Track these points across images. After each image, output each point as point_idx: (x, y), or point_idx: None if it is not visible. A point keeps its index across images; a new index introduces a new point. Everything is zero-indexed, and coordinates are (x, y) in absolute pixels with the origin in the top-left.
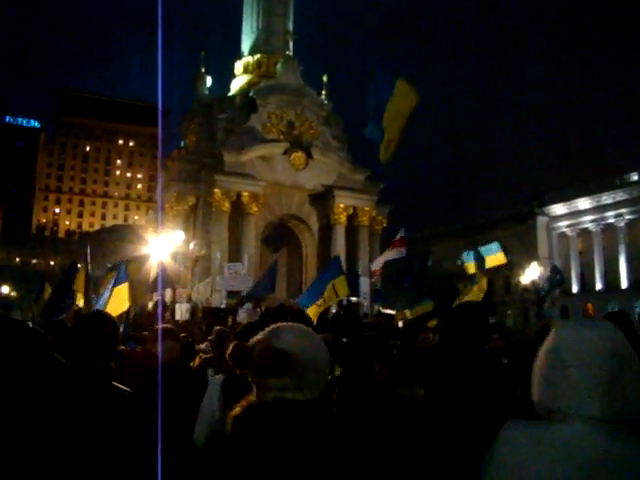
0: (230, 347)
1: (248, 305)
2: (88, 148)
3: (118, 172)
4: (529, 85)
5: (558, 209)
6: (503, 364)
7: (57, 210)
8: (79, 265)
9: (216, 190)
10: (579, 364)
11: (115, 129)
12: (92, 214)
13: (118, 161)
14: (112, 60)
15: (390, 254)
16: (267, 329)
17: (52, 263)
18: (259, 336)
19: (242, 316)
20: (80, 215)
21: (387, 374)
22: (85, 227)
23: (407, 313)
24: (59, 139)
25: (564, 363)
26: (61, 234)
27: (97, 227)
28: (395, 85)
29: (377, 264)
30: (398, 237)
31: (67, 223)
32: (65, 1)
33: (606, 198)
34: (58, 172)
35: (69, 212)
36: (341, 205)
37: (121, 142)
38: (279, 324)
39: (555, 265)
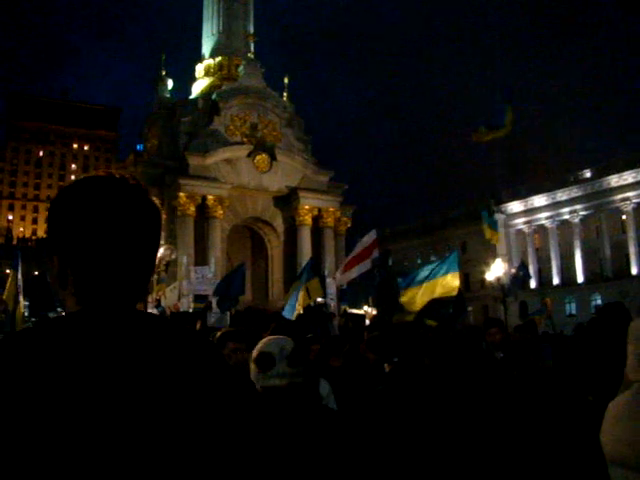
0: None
1: (217, 309)
2: (42, 153)
3: (73, 177)
4: (484, 84)
5: (515, 206)
6: (499, 358)
7: (10, 217)
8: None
9: (181, 194)
10: (632, 341)
11: (69, 133)
12: (47, 220)
13: (73, 166)
14: (66, 63)
15: (366, 262)
16: (268, 339)
17: (8, 271)
18: (267, 341)
19: (212, 320)
20: (35, 222)
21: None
22: (40, 233)
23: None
24: (11, 144)
25: (627, 341)
26: (15, 241)
27: None
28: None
29: (352, 274)
30: (371, 240)
31: (21, 230)
32: (16, 3)
33: (561, 195)
34: (11, 178)
35: (23, 218)
36: (306, 206)
37: (76, 146)
38: (275, 337)
39: (523, 263)
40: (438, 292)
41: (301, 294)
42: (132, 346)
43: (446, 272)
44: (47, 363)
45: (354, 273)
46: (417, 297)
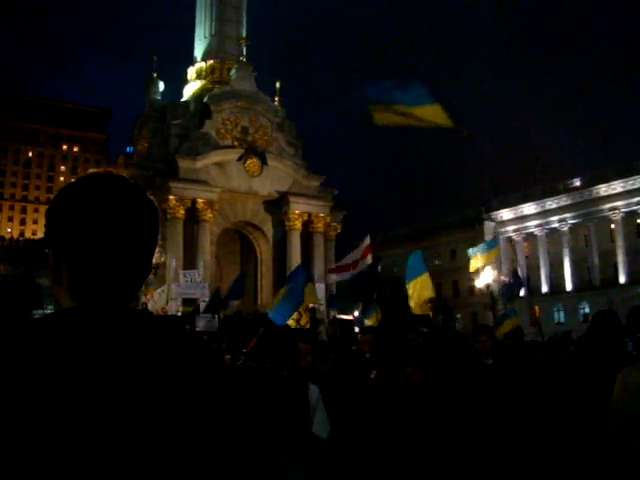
0: None
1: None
2: (30, 153)
3: (62, 178)
4: (473, 92)
5: (505, 214)
6: (488, 365)
7: None
8: None
9: (171, 197)
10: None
11: (59, 134)
12: (35, 221)
13: (62, 167)
14: (57, 64)
15: (363, 263)
16: None
17: None
18: None
19: (201, 324)
20: (22, 222)
21: (421, 377)
22: (28, 235)
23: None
24: (0, 144)
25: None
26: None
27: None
28: (427, 103)
29: (344, 276)
30: (365, 245)
31: (9, 231)
32: (6, 4)
33: (550, 203)
34: None
35: (10, 219)
36: (296, 211)
37: (65, 148)
38: None
39: (516, 271)
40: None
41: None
42: (124, 342)
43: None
44: (37, 359)
45: (347, 276)
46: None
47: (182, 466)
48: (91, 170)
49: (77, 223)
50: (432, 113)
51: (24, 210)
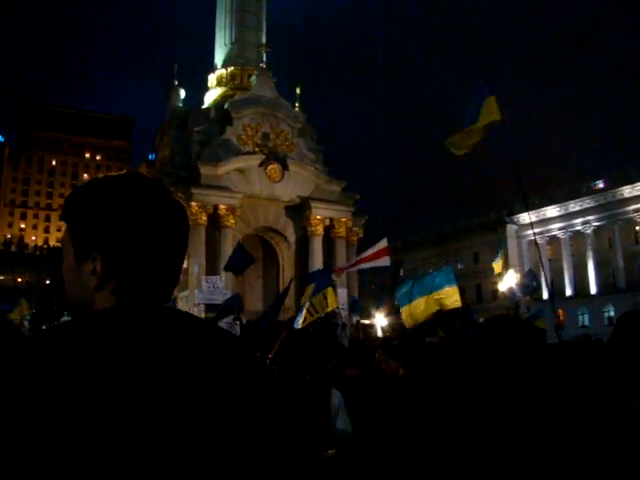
0: None
1: (228, 318)
2: (54, 162)
3: None
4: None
5: (527, 217)
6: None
7: (23, 225)
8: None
9: (193, 203)
10: None
11: (82, 143)
12: (59, 229)
13: (85, 175)
14: (79, 73)
15: (376, 262)
16: None
17: (20, 279)
18: None
19: None
20: (47, 230)
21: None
22: (52, 242)
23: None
24: (24, 153)
25: None
26: (28, 250)
27: None
28: (486, 100)
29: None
30: (382, 246)
31: (33, 239)
32: (29, 11)
33: (573, 206)
34: (23, 187)
35: (35, 227)
36: (317, 216)
37: (88, 156)
38: None
39: (531, 269)
40: (439, 305)
41: (317, 301)
42: (175, 340)
43: (443, 285)
44: (92, 356)
45: (360, 267)
46: (419, 309)
47: (222, 466)
48: (120, 171)
49: (135, 228)
50: (488, 111)
51: (48, 218)
